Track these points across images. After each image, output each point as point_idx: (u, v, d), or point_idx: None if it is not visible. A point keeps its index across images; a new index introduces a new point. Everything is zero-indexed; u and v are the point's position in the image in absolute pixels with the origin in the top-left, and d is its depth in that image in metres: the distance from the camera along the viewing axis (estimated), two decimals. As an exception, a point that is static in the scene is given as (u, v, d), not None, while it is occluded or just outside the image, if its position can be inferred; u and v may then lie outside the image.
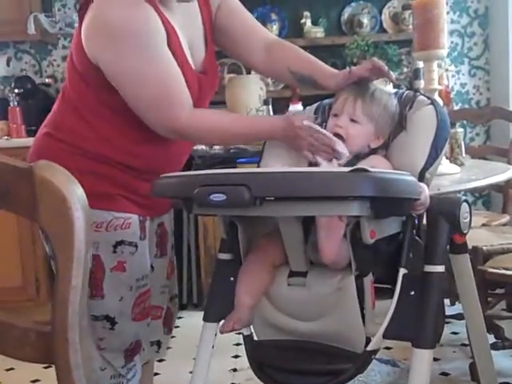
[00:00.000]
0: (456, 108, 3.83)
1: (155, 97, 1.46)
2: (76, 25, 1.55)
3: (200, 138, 1.60)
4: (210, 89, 1.65)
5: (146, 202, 1.59)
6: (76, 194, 0.70)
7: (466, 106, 4.03)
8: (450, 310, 2.82)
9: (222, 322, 1.46)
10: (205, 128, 1.52)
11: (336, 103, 1.53)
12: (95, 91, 1.51)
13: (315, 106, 1.68)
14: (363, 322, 1.34)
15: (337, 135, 1.47)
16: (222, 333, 1.44)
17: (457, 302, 2.98)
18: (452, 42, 3.97)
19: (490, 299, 2.35)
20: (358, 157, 1.47)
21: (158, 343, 1.81)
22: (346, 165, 1.43)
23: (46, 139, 1.58)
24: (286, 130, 1.49)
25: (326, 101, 1.65)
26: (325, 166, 1.43)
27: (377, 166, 1.40)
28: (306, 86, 1.67)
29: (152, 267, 1.71)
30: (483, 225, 2.75)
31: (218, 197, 1.19)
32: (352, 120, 1.48)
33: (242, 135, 1.55)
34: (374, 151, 1.51)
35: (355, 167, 1.16)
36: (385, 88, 1.59)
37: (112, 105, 1.50)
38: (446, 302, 2.97)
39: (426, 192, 1.34)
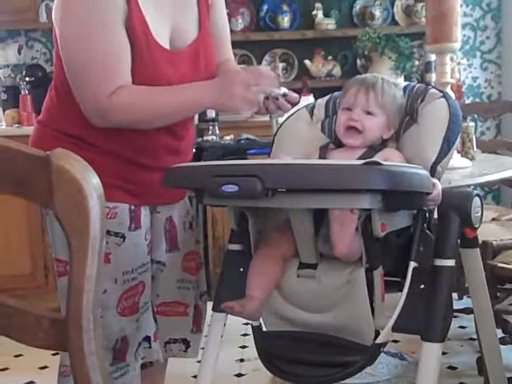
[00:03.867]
0: (467, 102, 3.81)
1: (85, 66, 1.39)
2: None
3: (128, 117, 1.43)
4: (197, 71, 1.56)
5: (141, 190, 1.54)
6: (92, 182, 0.70)
7: (477, 100, 4.01)
8: (457, 304, 2.81)
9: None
10: (132, 104, 1.41)
11: (346, 96, 1.52)
12: None
13: (326, 98, 1.68)
14: (372, 314, 1.34)
15: (352, 128, 1.47)
16: (223, 308, 1.42)
17: (465, 297, 2.99)
18: (464, 36, 3.95)
19: (498, 294, 2.35)
20: (373, 149, 1.47)
21: (185, 341, 1.72)
22: (361, 157, 1.42)
23: (37, 126, 1.57)
24: (220, 89, 1.41)
25: (337, 93, 1.65)
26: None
27: (390, 158, 1.40)
28: None
29: (163, 263, 1.66)
30: (493, 219, 2.74)
31: (230, 188, 1.19)
32: (366, 112, 1.48)
33: (177, 105, 1.44)
34: (385, 143, 1.51)
35: (368, 160, 1.16)
36: (391, 79, 1.58)
37: None
38: (454, 296, 2.96)
39: (438, 188, 1.34)
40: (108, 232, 1.49)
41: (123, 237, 1.52)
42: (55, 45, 1.49)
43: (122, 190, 1.51)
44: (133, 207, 1.54)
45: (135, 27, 1.43)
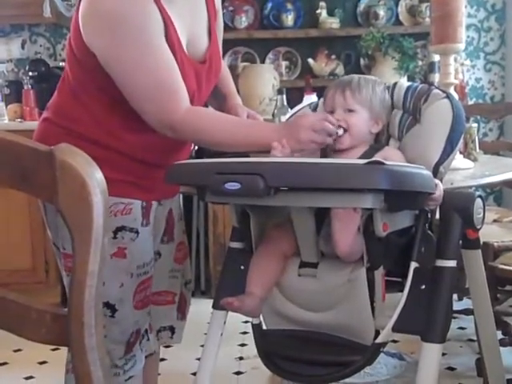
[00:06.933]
0: (470, 103, 3.81)
1: (152, 86, 1.43)
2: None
3: (195, 136, 1.52)
4: (210, 79, 1.61)
5: (152, 186, 1.56)
6: (96, 178, 0.70)
7: (481, 101, 4.00)
8: (457, 305, 2.81)
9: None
10: (202, 126, 1.48)
11: (326, 101, 1.53)
12: (92, 76, 1.48)
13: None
14: (373, 314, 1.34)
15: (338, 127, 1.47)
16: (222, 304, 1.43)
17: (464, 297, 2.99)
18: (468, 37, 3.94)
19: (498, 295, 2.35)
20: (373, 148, 1.48)
21: (171, 328, 1.79)
22: (361, 157, 1.43)
23: (44, 124, 1.57)
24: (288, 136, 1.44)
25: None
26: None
27: (390, 157, 1.40)
28: (215, 99, 1.77)
29: (159, 254, 1.71)
30: (494, 221, 2.74)
31: (232, 185, 1.19)
32: (347, 110, 1.48)
33: (241, 139, 1.48)
34: (382, 141, 1.52)
35: (370, 160, 1.16)
36: (368, 76, 1.59)
37: (109, 91, 1.46)
38: (454, 297, 2.96)
39: (440, 189, 1.34)
40: (124, 228, 1.53)
41: (137, 232, 1.56)
42: (73, 49, 1.49)
43: (136, 186, 1.55)
44: (144, 203, 1.58)
45: (172, 41, 1.46)
